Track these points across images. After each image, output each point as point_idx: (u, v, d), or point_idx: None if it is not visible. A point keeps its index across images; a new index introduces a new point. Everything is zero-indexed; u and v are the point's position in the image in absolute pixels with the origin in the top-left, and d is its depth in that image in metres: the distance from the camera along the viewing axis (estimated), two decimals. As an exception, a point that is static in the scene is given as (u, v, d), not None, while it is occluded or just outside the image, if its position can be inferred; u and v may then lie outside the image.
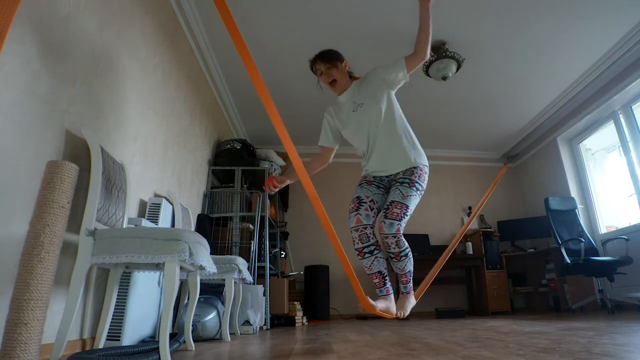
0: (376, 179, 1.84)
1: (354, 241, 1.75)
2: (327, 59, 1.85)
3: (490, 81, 3.96)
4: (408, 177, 1.73)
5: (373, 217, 1.76)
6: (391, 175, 1.81)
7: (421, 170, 1.77)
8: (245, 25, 3.06)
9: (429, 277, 2.11)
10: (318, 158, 2.02)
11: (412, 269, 1.79)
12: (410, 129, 1.86)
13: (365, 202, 1.77)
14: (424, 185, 1.77)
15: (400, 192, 1.69)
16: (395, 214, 1.65)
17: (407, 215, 1.68)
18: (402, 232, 1.68)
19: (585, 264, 3.43)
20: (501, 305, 4.44)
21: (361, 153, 1.91)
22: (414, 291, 1.89)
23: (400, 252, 1.71)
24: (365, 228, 1.72)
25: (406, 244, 1.72)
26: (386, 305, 1.72)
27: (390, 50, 3.42)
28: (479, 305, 4.66)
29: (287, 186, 5.15)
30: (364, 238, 1.72)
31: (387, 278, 1.78)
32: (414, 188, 1.71)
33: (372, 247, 1.73)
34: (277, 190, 1.91)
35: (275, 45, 3.32)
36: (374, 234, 1.74)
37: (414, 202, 1.71)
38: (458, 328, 2.48)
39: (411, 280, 1.82)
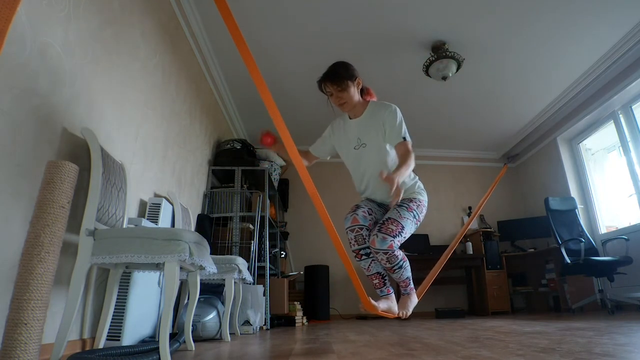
0: (376, 200, 1.85)
1: (350, 242, 1.73)
2: (338, 81, 1.66)
3: (490, 81, 3.96)
4: (407, 203, 1.72)
5: (370, 221, 1.73)
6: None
7: (420, 202, 1.75)
8: (245, 24, 3.06)
9: (430, 277, 2.10)
10: (301, 154, 1.93)
11: (409, 275, 1.76)
12: (412, 172, 1.79)
13: (363, 208, 1.76)
14: (420, 217, 1.75)
15: (398, 212, 1.67)
16: (390, 229, 1.60)
17: (401, 235, 1.62)
18: (395, 248, 1.61)
19: (585, 264, 3.43)
20: (501, 305, 4.44)
21: (355, 181, 1.87)
22: (416, 290, 1.88)
23: (392, 266, 1.66)
24: (362, 229, 1.70)
25: (399, 257, 1.65)
26: (388, 305, 1.71)
27: (391, 51, 3.42)
28: (479, 305, 4.66)
29: (287, 186, 5.16)
30: (360, 239, 1.70)
31: (386, 278, 1.77)
32: (411, 213, 1.69)
33: (369, 250, 1.71)
34: (272, 145, 1.79)
35: (274, 44, 3.32)
36: (369, 237, 1.69)
37: (409, 225, 1.67)
38: (458, 328, 2.48)
39: (411, 283, 1.80)
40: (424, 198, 1.80)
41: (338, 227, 1.37)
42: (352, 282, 1.45)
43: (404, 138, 1.65)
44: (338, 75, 1.67)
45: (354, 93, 1.71)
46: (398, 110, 1.70)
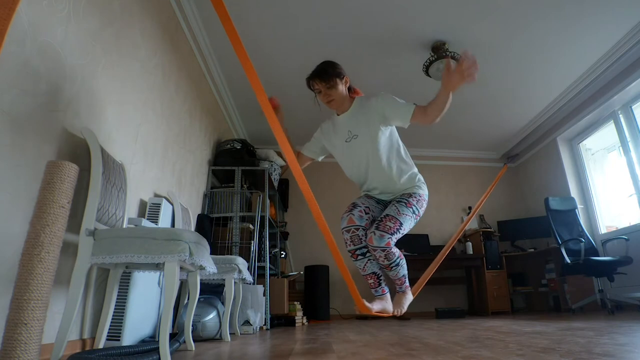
0: (374, 197, 1.85)
1: (346, 243, 1.73)
2: (326, 78, 1.68)
3: (491, 81, 3.96)
4: (406, 199, 1.72)
5: (366, 221, 1.73)
6: (390, 199, 1.81)
7: (420, 197, 1.75)
8: (242, 24, 3.06)
9: (427, 274, 2.10)
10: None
11: (405, 272, 1.76)
12: (408, 160, 1.80)
13: (360, 206, 1.76)
14: (420, 212, 1.74)
15: (397, 208, 1.67)
16: (388, 227, 1.60)
17: (399, 232, 1.63)
18: (392, 246, 1.62)
19: (585, 264, 3.43)
20: (501, 305, 4.44)
21: (351, 177, 1.86)
22: (411, 288, 1.88)
23: (390, 264, 1.66)
24: (357, 229, 1.69)
25: (396, 255, 1.66)
26: (382, 305, 1.72)
27: (389, 50, 3.42)
28: (479, 305, 4.66)
29: (287, 186, 5.16)
30: (356, 240, 1.70)
31: (381, 278, 1.77)
32: (410, 209, 1.68)
33: (365, 250, 1.71)
34: (277, 107, 1.72)
35: (271, 43, 3.31)
36: (366, 236, 1.70)
37: (408, 222, 1.67)
38: (458, 328, 2.48)
39: (406, 281, 1.81)
40: (423, 192, 1.79)
41: (337, 230, 1.36)
42: (347, 284, 1.45)
43: (414, 104, 1.63)
44: (327, 73, 1.69)
45: (342, 91, 1.72)
46: (388, 93, 1.71)
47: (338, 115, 1.80)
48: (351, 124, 1.75)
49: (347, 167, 1.85)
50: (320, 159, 1.97)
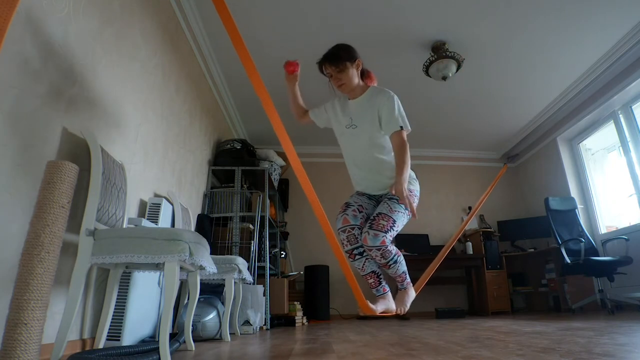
0: (367, 193, 1.84)
1: (343, 243, 1.71)
2: (336, 62, 1.67)
3: (490, 81, 3.96)
4: (397, 196, 1.71)
5: (361, 219, 1.72)
6: (381, 194, 1.80)
7: (410, 192, 1.72)
8: (242, 23, 3.06)
9: (428, 272, 2.09)
10: (300, 109, 1.93)
11: (405, 269, 1.75)
12: None
13: (353, 206, 1.75)
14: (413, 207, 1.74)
15: (389, 205, 1.66)
16: (382, 225, 1.58)
17: (393, 229, 1.61)
18: (388, 244, 1.60)
19: (585, 264, 3.43)
20: (501, 305, 4.44)
21: (347, 167, 1.86)
22: (413, 285, 1.87)
23: (387, 262, 1.65)
24: (353, 229, 1.69)
25: (393, 252, 1.64)
26: (385, 305, 1.71)
27: (389, 50, 3.42)
28: (479, 305, 4.66)
29: (287, 186, 5.16)
30: (352, 239, 1.69)
31: (381, 277, 1.76)
32: (402, 205, 1.66)
33: (362, 249, 1.70)
34: (295, 72, 1.78)
35: (271, 43, 3.31)
36: (362, 235, 1.68)
37: (400, 218, 1.65)
38: (458, 328, 2.48)
39: (407, 277, 1.79)
40: (414, 187, 1.78)
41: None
42: (350, 286, 1.45)
43: (401, 127, 1.62)
44: (337, 57, 1.68)
45: (353, 75, 1.71)
46: (396, 98, 1.68)
47: (350, 99, 1.78)
48: (356, 113, 1.74)
49: (344, 153, 1.84)
50: (322, 127, 1.94)
